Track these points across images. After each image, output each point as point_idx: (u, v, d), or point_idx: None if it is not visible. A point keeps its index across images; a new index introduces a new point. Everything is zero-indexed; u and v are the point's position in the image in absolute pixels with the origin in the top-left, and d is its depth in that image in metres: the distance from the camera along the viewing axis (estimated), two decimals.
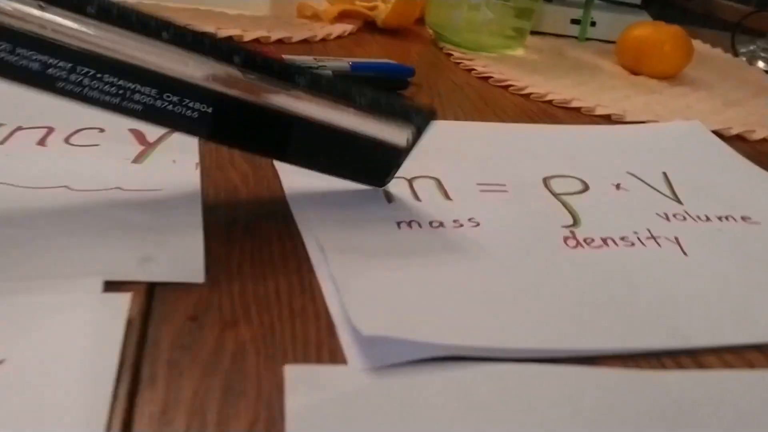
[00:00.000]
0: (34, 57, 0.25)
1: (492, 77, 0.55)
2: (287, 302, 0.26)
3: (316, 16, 0.62)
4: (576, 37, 0.70)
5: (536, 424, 0.22)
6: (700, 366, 0.25)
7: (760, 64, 0.77)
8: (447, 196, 0.35)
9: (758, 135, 0.51)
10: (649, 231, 0.34)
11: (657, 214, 0.36)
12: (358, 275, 0.27)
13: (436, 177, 0.37)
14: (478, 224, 0.33)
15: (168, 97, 0.27)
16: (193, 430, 0.20)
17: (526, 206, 0.36)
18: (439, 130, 0.43)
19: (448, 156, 0.40)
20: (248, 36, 0.54)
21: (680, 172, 0.42)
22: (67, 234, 0.27)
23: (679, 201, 0.38)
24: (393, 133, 0.32)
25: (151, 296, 0.25)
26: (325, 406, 0.21)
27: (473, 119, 0.47)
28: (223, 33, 0.53)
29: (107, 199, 0.30)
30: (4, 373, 0.20)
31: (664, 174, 0.42)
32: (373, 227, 0.31)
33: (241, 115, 0.29)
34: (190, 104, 0.28)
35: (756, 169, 0.44)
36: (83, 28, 0.25)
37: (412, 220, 0.32)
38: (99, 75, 0.26)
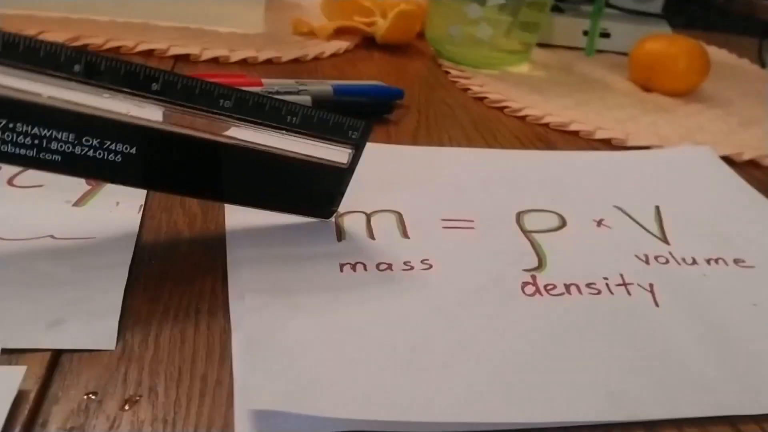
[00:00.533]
0: None
1: (487, 97, 0.52)
2: (200, 372, 0.24)
3: (312, 33, 0.61)
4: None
5: None
6: None
7: None
8: (405, 234, 0.33)
9: None
10: (621, 276, 0.31)
11: (636, 255, 0.33)
12: (271, 334, 0.25)
13: (398, 211, 0.35)
14: (430, 266, 0.31)
15: (87, 141, 0.26)
16: None
17: (490, 246, 0.33)
18: (413, 157, 0.42)
19: (418, 187, 0.38)
20: (235, 56, 0.53)
21: (675, 206, 0.39)
22: None
23: (665, 240, 0.35)
24: (330, 153, 0.30)
25: (54, 366, 0.23)
26: None
27: (459, 145, 0.44)
28: (209, 54, 0.52)
29: (35, 250, 0.28)
30: None
31: (657, 208, 0.38)
32: (311, 270, 0.29)
33: (167, 152, 0.27)
34: (112, 146, 0.26)
35: (764, 202, 0.41)
36: None
37: (359, 262, 0.30)
38: (11, 125, 0.24)
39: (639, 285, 0.31)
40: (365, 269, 0.30)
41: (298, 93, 0.45)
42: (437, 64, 0.60)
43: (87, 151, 0.26)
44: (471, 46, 0.58)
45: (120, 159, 0.27)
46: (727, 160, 0.46)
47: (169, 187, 0.29)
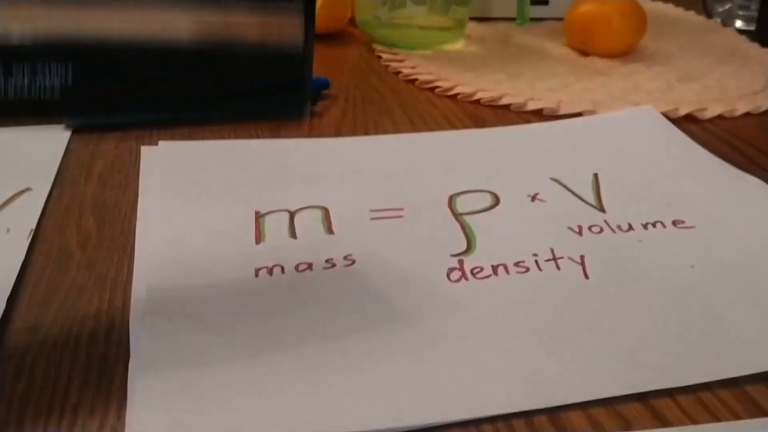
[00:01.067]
0: None
1: (418, 79, 0.51)
2: (87, 404, 0.22)
3: None
4: (531, 20, 0.65)
5: None
6: (563, 429, 0.21)
7: (738, 23, 0.71)
8: (329, 230, 0.32)
9: (710, 113, 0.46)
10: (552, 251, 0.30)
11: (569, 227, 0.32)
12: (168, 356, 0.24)
13: (324, 206, 0.33)
14: (353, 262, 0.29)
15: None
16: None
17: (418, 233, 0.32)
18: (340, 149, 0.40)
19: (345, 179, 0.36)
20: None
21: (614, 172, 0.38)
22: None
23: (601, 209, 0.34)
24: (283, 27, 0.24)
25: None
26: None
27: (387, 132, 0.43)
28: None
29: None
30: None
31: (595, 176, 0.37)
32: (223, 278, 0.28)
33: (104, 68, 0.23)
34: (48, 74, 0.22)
35: (704, 157, 0.40)
36: None
37: (276, 265, 0.29)
38: None
39: (570, 258, 0.30)
40: (283, 272, 0.28)
41: None
42: (371, 49, 0.58)
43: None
44: (400, 27, 0.56)
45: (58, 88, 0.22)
46: (664, 117, 0.45)
47: (109, 113, 0.25)
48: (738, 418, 0.22)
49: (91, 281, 0.28)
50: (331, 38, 0.61)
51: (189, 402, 0.22)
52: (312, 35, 0.24)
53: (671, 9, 0.74)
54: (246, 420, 0.21)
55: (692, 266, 0.29)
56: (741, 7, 0.71)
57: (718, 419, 0.22)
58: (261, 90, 0.25)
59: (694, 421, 0.22)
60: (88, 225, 0.31)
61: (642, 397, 0.23)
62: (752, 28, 0.65)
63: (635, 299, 0.27)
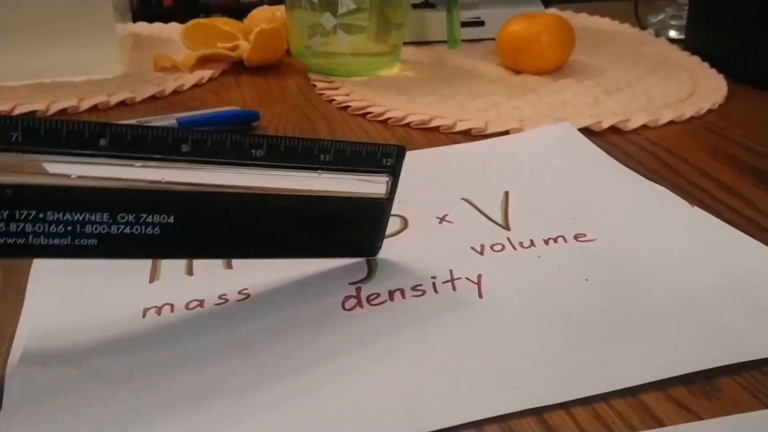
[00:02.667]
0: None
1: (350, 106, 0.51)
2: None
3: (175, 68, 0.59)
4: (467, 41, 0.66)
5: None
6: None
7: (672, 33, 0.71)
8: (229, 264, 0.31)
9: (634, 123, 0.46)
10: (451, 272, 0.30)
11: (472, 248, 0.32)
12: (38, 408, 0.23)
13: None
14: (247, 296, 0.29)
15: (123, 218, 0.24)
16: None
17: (320, 263, 0.31)
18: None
19: None
20: (85, 104, 0.51)
21: (524, 189, 0.38)
22: None
23: (506, 227, 0.34)
24: (369, 186, 0.28)
25: None
26: None
27: None
28: (57, 107, 0.50)
29: None
30: None
31: (506, 194, 0.37)
32: (109, 320, 0.27)
33: (205, 216, 0.26)
34: (149, 219, 0.24)
35: (616, 169, 0.40)
36: (9, 159, 0.22)
37: (166, 304, 0.28)
38: (41, 215, 0.22)
39: (467, 278, 0.30)
40: (172, 311, 0.28)
41: None
42: (307, 79, 0.59)
43: (123, 229, 0.24)
44: (333, 56, 0.57)
45: (158, 231, 0.25)
46: (587, 131, 0.45)
47: (211, 252, 0.28)
48: (633, 428, 0.22)
49: None
50: (269, 69, 0.61)
51: None
52: (395, 189, 0.29)
53: (606, 23, 0.75)
54: None
55: (587, 279, 0.29)
56: (674, 17, 0.72)
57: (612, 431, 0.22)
58: (348, 233, 0.30)
59: None
60: None
61: (536, 412, 0.23)
62: (684, 37, 0.66)
63: (527, 315, 0.27)
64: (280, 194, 0.27)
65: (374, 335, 0.26)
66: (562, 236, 0.33)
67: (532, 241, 0.32)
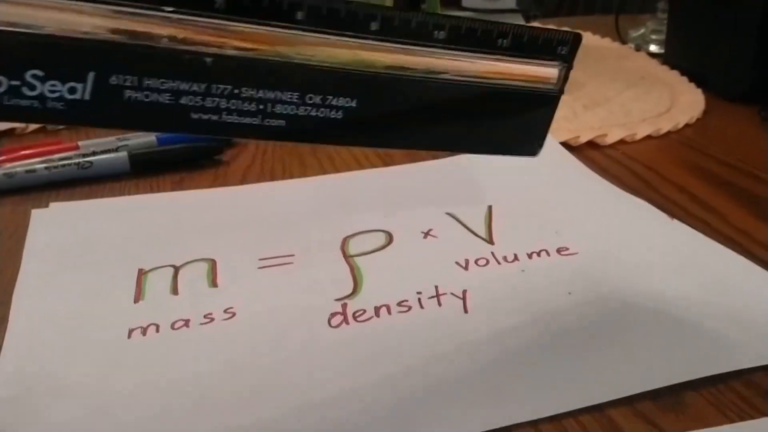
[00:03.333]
0: (165, 86, 0.20)
1: None
2: None
3: None
4: None
5: None
6: None
7: (652, 47, 0.73)
8: (214, 283, 0.31)
9: (611, 138, 0.47)
10: (436, 288, 0.30)
11: (457, 262, 0.32)
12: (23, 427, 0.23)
13: (211, 258, 0.33)
14: (233, 315, 0.29)
15: (311, 99, 0.23)
16: None
17: (306, 279, 0.32)
18: (239, 197, 0.40)
19: (238, 228, 0.36)
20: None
21: (508, 204, 0.38)
22: None
23: (491, 241, 0.34)
24: (541, 76, 0.26)
25: None
26: None
27: (291, 176, 0.43)
28: (35, 125, 0.50)
29: None
30: None
31: (489, 208, 0.38)
32: (94, 341, 0.27)
33: (386, 99, 0.25)
34: (334, 102, 0.23)
35: (596, 183, 0.40)
36: (211, 25, 0.20)
37: (151, 324, 0.28)
38: (236, 90, 0.21)
39: (452, 294, 0.30)
40: (157, 331, 0.28)
41: (117, 150, 0.44)
42: None
43: (310, 111, 0.23)
44: None
45: (341, 115, 0.24)
46: (565, 145, 0.46)
47: (386, 140, 0.26)
48: None
49: None
50: None
51: None
52: (566, 82, 0.27)
53: (588, 37, 0.76)
54: None
55: (570, 293, 0.30)
56: (654, 31, 0.74)
57: None
58: (513, 126, 0.28)
59: None
60: None
61: (506, 430, 0.23)
62: (664, 51, 0.67)
63: (510, 329, 0.27)
64: (459, 80, 0.25)
65: (360, 352, 0.26)
66: (545, 250, 0.33)
67: (515, 255, 0.33)
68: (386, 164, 0.45)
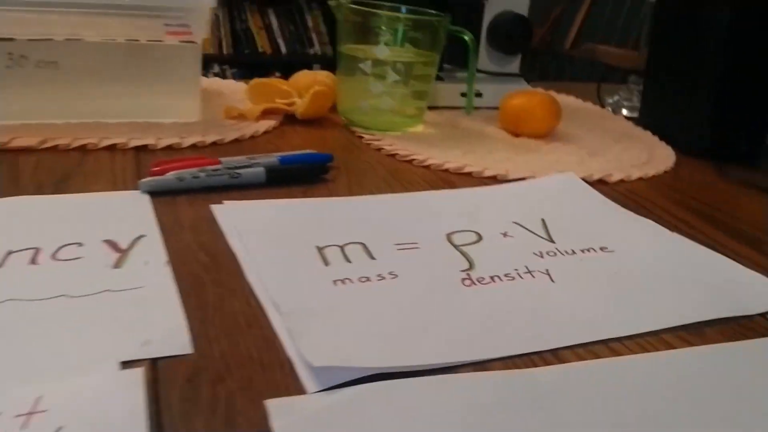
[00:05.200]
0: None
1: (398, 154, 0.66)
2: (258, 358, 0.34)
3: (242, 116, 0.72)
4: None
5: (448, 414, 0.31)
6: (560, 360, 0.35)
7: (624, 111, 0.91)
8: (371, 257, 0.45)
9: (615, 178, 0.63)
10: (526, 267, 0.45)
11: (534, 253, 0.47)
12: (308, 325, 0.36)
13: (362, 242, 0.47)
14: (396, 276, 0.42)
15: None
16: None
17: (434, 258, 0.45)
18: (361, 204, 0.54)
19: (371, 224, 0.50)
20: (186, 142, 0.63)
21: (555, 217, 0.53)
22: (78, 331, 0.35)
23: (552, 241, 0.49)
24: None
25: (155, 367, 0.32)
26: (300, 423, 0.29)
27: (385, 192, 0.57)
28: (164, 142, 0.62)
29: (101, 301, 0.37)
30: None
31: (542, 220, 0.53)
32: (315, 286, 0.40)
33: None
34: None
35: (614, 207, 0.56)
36: None
37: (346, 278, 0.41)
38: None
39: (539, 271, 0.44)
40: (352, 282, 0.41)
41: (251, 166, 0.56)
42: (350, 131, 0.73)
43: None
44: (377, 114, 0.72)
45: None
46: (583, 181, 0.61)
47: None
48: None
49: (226, 292, 0.39)
50: (316, 123, 0.75)
51: (340, 340, 0.34)
52: None
53: (573, 100, 0.94)
54: (375, 353, 0.34)
55: (615, 272, 0.45)
56: (625, 99, 0.92)
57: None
58: None
59: None
60: (201, 257, 0.43)
61: (605, 342, 0.37)
62: (635, 115, 0.85)
63: (586, 290, 0.42)
64: None
65: (491, 302, 0.40)
66: (593, 248, 0.48)
67: (573, 250, 0.48)
68: (449, 187, 0.59)
